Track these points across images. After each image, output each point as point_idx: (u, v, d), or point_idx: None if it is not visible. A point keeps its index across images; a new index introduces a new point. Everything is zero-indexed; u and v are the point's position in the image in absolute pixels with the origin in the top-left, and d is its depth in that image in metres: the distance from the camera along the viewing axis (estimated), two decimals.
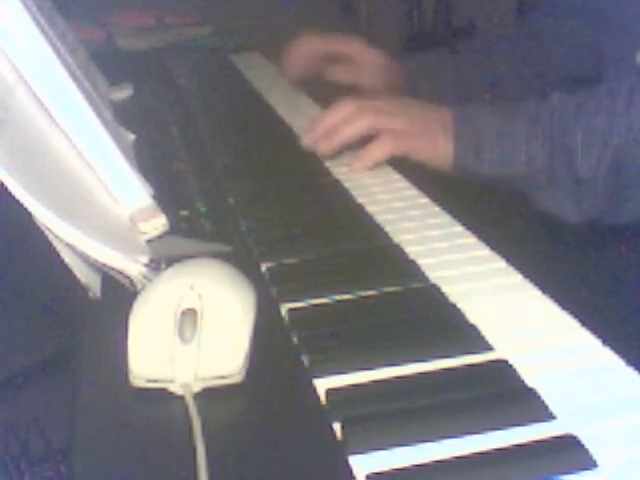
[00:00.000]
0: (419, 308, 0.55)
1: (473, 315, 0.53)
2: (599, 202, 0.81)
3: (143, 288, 0.54)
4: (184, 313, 0.49)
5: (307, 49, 1.12)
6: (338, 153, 0.87)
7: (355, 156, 0.86)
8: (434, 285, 0.58)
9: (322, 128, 0.88)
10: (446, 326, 0.52)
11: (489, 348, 0.49)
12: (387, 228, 0.68)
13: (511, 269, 0.60)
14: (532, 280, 0.58)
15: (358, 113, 0.86)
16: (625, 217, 0.82)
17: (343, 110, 0.87)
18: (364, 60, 1.08)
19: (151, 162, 0.82)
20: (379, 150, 0.85)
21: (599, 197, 0.80)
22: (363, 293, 0.57)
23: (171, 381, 0.47)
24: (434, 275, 0.59)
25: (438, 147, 0.85)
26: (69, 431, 0.46)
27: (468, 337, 0.51)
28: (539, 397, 0.44)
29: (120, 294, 0.56)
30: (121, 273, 0.56)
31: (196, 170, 0.86)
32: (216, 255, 0.58)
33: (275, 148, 0.96)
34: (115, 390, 0.48)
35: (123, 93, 1.10)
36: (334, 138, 0.86)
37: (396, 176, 0.83)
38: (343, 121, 0.86)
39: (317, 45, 1.11)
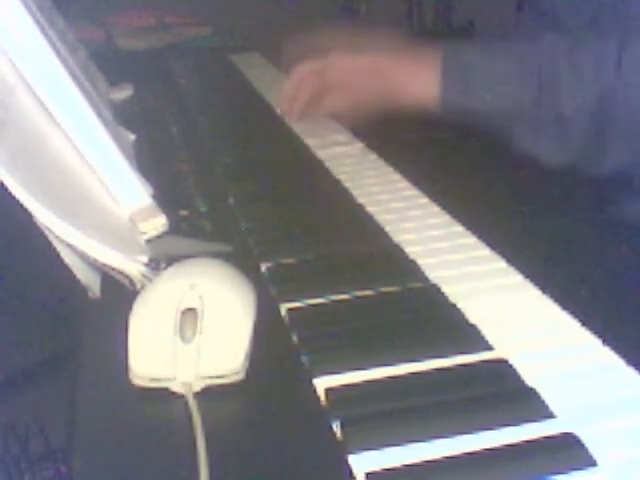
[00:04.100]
0: (419, 308, 0.55)
1: (473, 315, 0.53)
2: (580, 145, 0.81)
3: (143, 288, 0.54)
4: (184, 313, 0.49)
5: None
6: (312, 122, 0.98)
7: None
8: (434, 285, 0.58)
9: (286, 100, 1.00)
10: (446, 326, 0.52)
11: (489, 348, 0.49)
12: (387, 228, 0.68)
13: (511, 269, 0.60)
14: (532, 280, 0.58)
15: (306, 76, 0.94)
16: (603, 170, 0.82)
17: (297, 76, 0.97)
18: None
19: (151, 162, 0.81)
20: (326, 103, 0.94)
21: (581, 139, 0.81)
22: (363, 293, 0.57)
23: (172, 380, 0.47)
24: (434, 275, 0.59)
25: (423, 79, 0.85)
26: (69, 431, 0.46)
27: (468, 337, 0.51)
28: (539, 397, 0.44)
29: (120, 294, 0.56)
30: (121, 273, 0.56)
31: (196, 170, 0.86)
32: (216, 255, 0.58)
33: (275, 148, 0.96)
34: (115, 389, 0.48)
35: (123, 93, 1.10)
36: (293, 109, 0.98)
37: (396, 176, 0.83)
38: (297, 88, 0.96)
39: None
